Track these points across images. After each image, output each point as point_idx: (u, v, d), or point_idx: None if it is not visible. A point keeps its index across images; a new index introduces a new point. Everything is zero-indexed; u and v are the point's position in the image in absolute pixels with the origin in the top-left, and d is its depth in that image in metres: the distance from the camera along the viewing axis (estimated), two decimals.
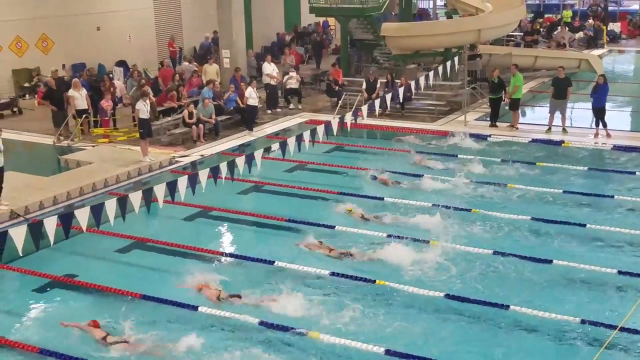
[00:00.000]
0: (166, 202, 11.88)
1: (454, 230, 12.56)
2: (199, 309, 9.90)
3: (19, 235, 9.93)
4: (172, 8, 28.90)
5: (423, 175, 15.49)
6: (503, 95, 19.58)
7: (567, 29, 33.05)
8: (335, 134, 15.50)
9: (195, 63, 24.66)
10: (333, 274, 10.89)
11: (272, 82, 22.09)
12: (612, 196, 14.08)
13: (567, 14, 37.19)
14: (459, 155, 16.96)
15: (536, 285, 10.60)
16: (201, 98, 19.61)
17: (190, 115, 18.71)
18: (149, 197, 11.40)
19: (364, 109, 16.26)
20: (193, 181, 11.94)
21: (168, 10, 28.72)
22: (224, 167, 12.46)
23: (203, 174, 12.16)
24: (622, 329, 8.48)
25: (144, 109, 16.59)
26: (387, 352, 8.71)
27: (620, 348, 8.77)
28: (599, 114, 18.18)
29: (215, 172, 12.39)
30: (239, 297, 10.18)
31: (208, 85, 20.24)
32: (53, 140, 18.59)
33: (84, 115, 18.66)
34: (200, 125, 18.65)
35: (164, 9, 28.50)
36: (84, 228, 10.51)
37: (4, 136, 14.14)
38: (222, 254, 11.97)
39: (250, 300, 10.13)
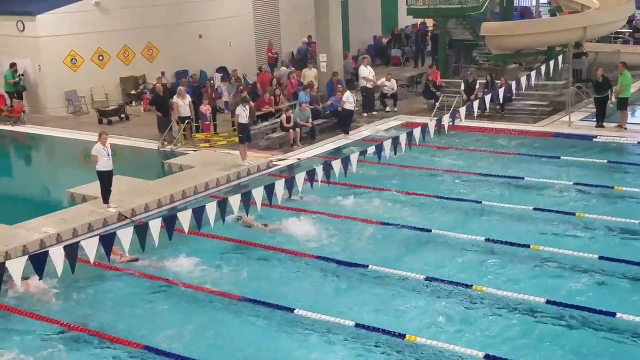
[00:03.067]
0: (264, 206, 12.09)
1: None
2: None
3: (126, 236, 10.37)
4: (271, 14, 29.41)
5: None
6: (610, 95, 18.72)
7: None
8: (432, 136, 15.31)
9: (293, 68, 24.99)
10: None
11: (369, 86, 22.06)
12: None
13: None
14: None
15: None
16: (299, 102, 19.85)
17: (288, 119, 18.97)
18: (247, 201, 11.62)
19: (462, 110, 15.96)
20: (290, 185, 12.10)
21: (267, 16, 29.25)
22: (320, 170, 12.55)
23: (300, 178, 12.30)
24: None
25: (243, 114, 16.96)
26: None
27: None
28: None
29: (311, 176, 12.49)
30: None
31: (305, 90, 20.45)
32: (158, 146, 19.32)
33: (186, 122, 19.28)
34: (297, 130, 18.87)
35: (263, 15, 29.05)
36: (186, 230, 10.85)
37: (112, 141, 14.80)
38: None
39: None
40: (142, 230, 10.63)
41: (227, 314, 10.33)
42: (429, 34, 31.37)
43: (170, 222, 10.76)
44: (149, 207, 14.58)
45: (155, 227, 10.57)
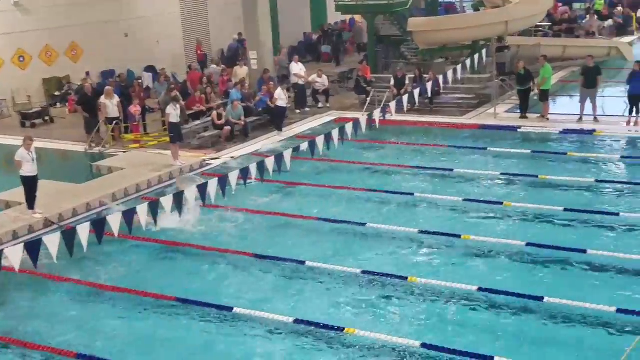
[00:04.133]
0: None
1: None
2: None
3: (52, 242, 10.10)
4: (199, 12, 29.12)
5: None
6: (532, 86, 19.38)
7: (595, 17, 32.52)
8: (364, 131, 15.50)
9: (223, 66, 24.82)
10: None
11: (300, 82, 22.13)
12: None
13: (599, 2, 36.55)
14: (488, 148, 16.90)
15: (571, 275, 10.57)
16: (230, 100, 19.74)
17: (219, 117, 18.84)
18: (179, 201, 11.50)
19: (393, 105, 16.21)
20: (223, 183, 12.04)
21: (195, 14, 28.94)
22: (253, 168, 12.54)
23: (233, 176, 12.25)
24: None
25: (174, 113, 16.75)
26: None
27: None
28: (634, 101, 17.88)
29: (245, 174, 12.47)
30: None
31: (236, 86, 20.35)
32: (85, 148, 18.87)
33: (114, 122, 18.90)
34: (229, 127, 18.76)
35: (191, 13, 28.73)
36: (116, 233, 10.65)
37: (37, 145, 14.38)
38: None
39: None
40: (69, 236, 10.38)
41: (163, 316, 10.20)
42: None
43: (99, 226, 10.55)
44: (77, 212, 14.24)
45: (84, 231, 10.34)
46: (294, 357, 9.05)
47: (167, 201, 11.25)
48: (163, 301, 10.49)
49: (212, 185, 11.89)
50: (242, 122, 19.24)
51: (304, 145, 13.91)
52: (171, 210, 11.50)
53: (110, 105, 18.87)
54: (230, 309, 10.10)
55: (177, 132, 16.89)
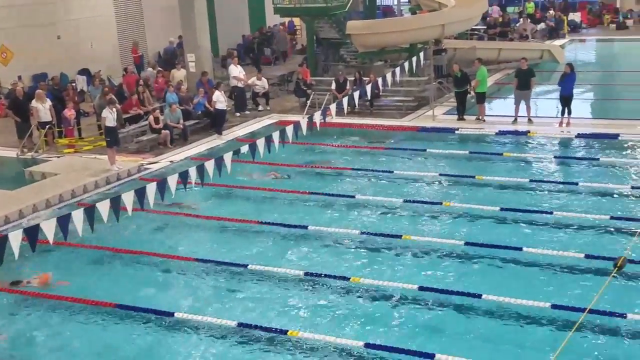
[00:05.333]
0: (135, 210, 11.77)
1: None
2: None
3: None
4: (134, 14, 28.62)
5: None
6: (468, 89, 19.76)
7: (528, 20, 33.45)
8: (304, 133, 15.49)
9: (159, 68, 24.46)
10: None
11: (240, 85, 21.99)
12: (577, 183, 14.31)
13: (530, 5, 37.61)
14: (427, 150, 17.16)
15: (508, 272, 10.79)
16: (167, 103, 19.47)
17: (157, 120, 18.55)
18: (117, 206, 11.25)
19: (333, 107, 16.27)
20: (162, 187, 11.84)
21: (130, 16, 28.43)
22: (193, 171, 12.37)
23: (172, 180, 12.07)
24: (591, 311, 8.73)
25: (110, 116, 16.41)
26: None
27: (589, 329, 9.03)
28: (566, 102, 18.43)
29: (184, 178, 12.29)
30: None
31: (173, 90, 20.08)
32: (17, 153, 18.29)
33: (47, 127, 18.39)
34: (168, 131, 18.50)
35: (126, 15, 28.21)
36: (51, 241, 10.35)
37: None
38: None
39: None
40: (0, 243, 10.01)
41: (103, 323, 9.98)
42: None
43: (32, 233, 10.22)
44: (9, 219, 13.78)
45: (16, 239, 10.00)
46: None
47: (103, 206, 10.98)
48: (102, 307, 10.26)
49: (151, 189, 11.66)
50: (181, 126, 18.99)
51: (245, 148, 13.82)
52: (108, 216, 11.25)
53: (42, 109, 18.34)
54: (171, 314, 9.95)
55: (113, 136, 16.55)
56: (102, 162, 16.74)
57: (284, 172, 16.04)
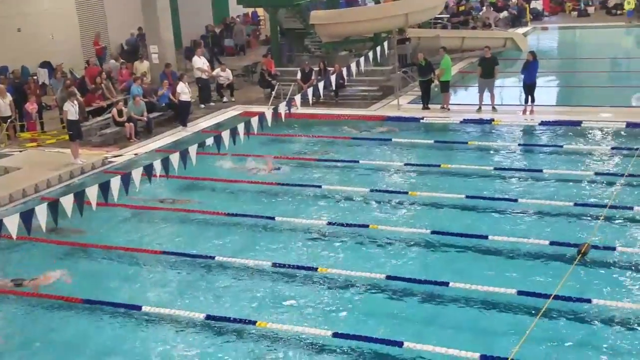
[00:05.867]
0: (99, 205, 11.60)
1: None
2: None
3: None
4: (96, 5, 28.12)
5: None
6: (433, 78, 19.87)
7: (492, 8, 33.74)
8: (270, 124, 15.41)
9: (122, 60, 24.13)
10: None
11: (204, 76, 21.80)
12: (541, 170, 14.50)
13: None
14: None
15: (474, 260, 10.91)
16: (131, 96, 19.23)
17: (120, 113, 18.31)
18: (81, 200, 11.07)
19: (298, 98, 16.24)
20: (127, 181, 11.69)
21: (91, 7, 27.94)
22: (158, 164, 12.24)
23: (136, 173, 11.93)
24: (556, 297, 8.87)
25: (72, 110, 16.16)
26: None
27: (554, 315, 9.16)
28: (529, 89, 18.64)
29: (149, 171, 12.15)
30: None
31: (136, 82, 19.84)
32: None
33: (8, 120, 18.02)
34: (132, 124, 18.28)
35: (87, 6, 27.71)
36: (14, 236, 10.16)
37: None
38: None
39: None
40: None
41: (70, 317, 9.86)
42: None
43: None
44: None
45: None
46: (206, 354, 8.93)
47: (67, 201, 10.81)
48: (70, 303, 10.13)
49: (115, 183, 11.51)
50: (145, 118, 18.78)
51: (210, 140, 13.71)
52: (72, 210, 11.08)
53: (2, 103, 17.98)
54: (139, 307, 9.85)
55: (76, 130, 16.31)
56: (66, 156, 16.48)
57: (246, 160, 15.96)
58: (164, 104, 19.90)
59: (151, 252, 11.73)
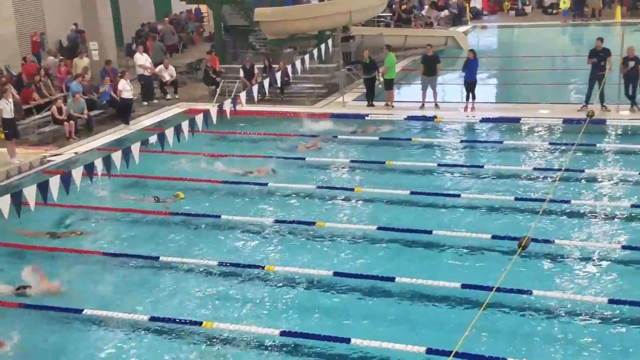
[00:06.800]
0: (38, 204, 11.30)
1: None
2: None
3: None
4: (34, 0, 27.36)
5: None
6: (377, 75, 20.03)
7: (433, 8, 34.22)
8: (215, 122, 15.28)
9: (61, 57, 23.54)
10: None
11: (146, 73, 21.46)
12: (482, 166, 14.79)
13: None
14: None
15: (419, 255, 11.05)
16: (71, 93, 18.78)
17: (60, 111, 17.86)
18: (18, 201, 10.75)
19: (243, 95, 16.14)
20: (67, 180, 11.41)
21: (29, 2, 27.14)
22: (99, 163, 11.99)
23: (77, 173, 11.66)
24: (498, 289, 9.06)
25: (7, 107, 15.71)
26: None
27: (498, 307, 9.36)
28: (470, 87, 18.98)
29: (90, 170, 11.89)
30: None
31: (76, 79, 19.39)
32: None
33: None
34: (72, 122, 17.86)
35: (24, 1, 26.91)
36: None
37: None
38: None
39: None
40: None
41: (7, 322, 9.57)
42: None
43: None
44: None
45: None
46: (151, 356, 8.79)
47: (4, 202, 10.48)
48: (6, 308, 9.85)
49: (54, 182, 11.22)
50: (85, 116, 18.37)
51: (153, 138, 13.50)
52: (9, 211, 10.75)
53: None
54: (80, 310, 9.64)
55: (11, 128, 15.86)
56: (2, 155, 15.98)
57: (194, 160, 15.79)
58: (105, 102, 19.51)
59: (92, 252, 11.48)
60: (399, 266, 10.65)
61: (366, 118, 18.81)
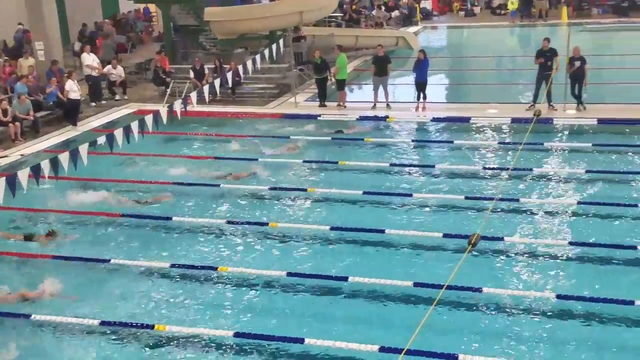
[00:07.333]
0: None
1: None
2: None
3: None
4: None
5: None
6: (328, 76, 20.08)
7: (383, 8, 34.50)
8: (165, 123, 15.10)
9: (6, 57, 22.95)
10: None
11: (94, 73, 21.07)
12: (433, 165, 14.97)
13: None
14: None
15: (372, 254, 11.14)
16: (16, 94, 18.33)
17: (4, 112, 17.41)
18: None
19: (194, 95, 16.00)
20: (12, 182, 11.12)
21: None
22: (46, 165, 11.72)
23: (23, 174, 11.37)
24: (449, 287, 9.19)
25: None
26: None
27: (448, 305, 9.50)
28: (421, 87, 19.18)
29: (36, 172, 11.61)
30: None
31: (21, 80, 18.93)
32: None
33: None
34: (17, 123, 17.42)
35: None
36: None
37: None
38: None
39: None
40: None
41: None
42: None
43: None
44: None
45: None
46: None
47: None
48: None
49: (0, 185, 10.93)
50: (31, 117, 17.95)
51: (102, 139, 13.26)
52: None
53: None
54: (28, 316, 9.41)
55: None
56: None
57: (142, 160, 15.57)
58: (51, 103, 19.11)
59: (41, 256, 11.22)
60: (352, 266, 10.69)
61: (318, 118, 18.84)
